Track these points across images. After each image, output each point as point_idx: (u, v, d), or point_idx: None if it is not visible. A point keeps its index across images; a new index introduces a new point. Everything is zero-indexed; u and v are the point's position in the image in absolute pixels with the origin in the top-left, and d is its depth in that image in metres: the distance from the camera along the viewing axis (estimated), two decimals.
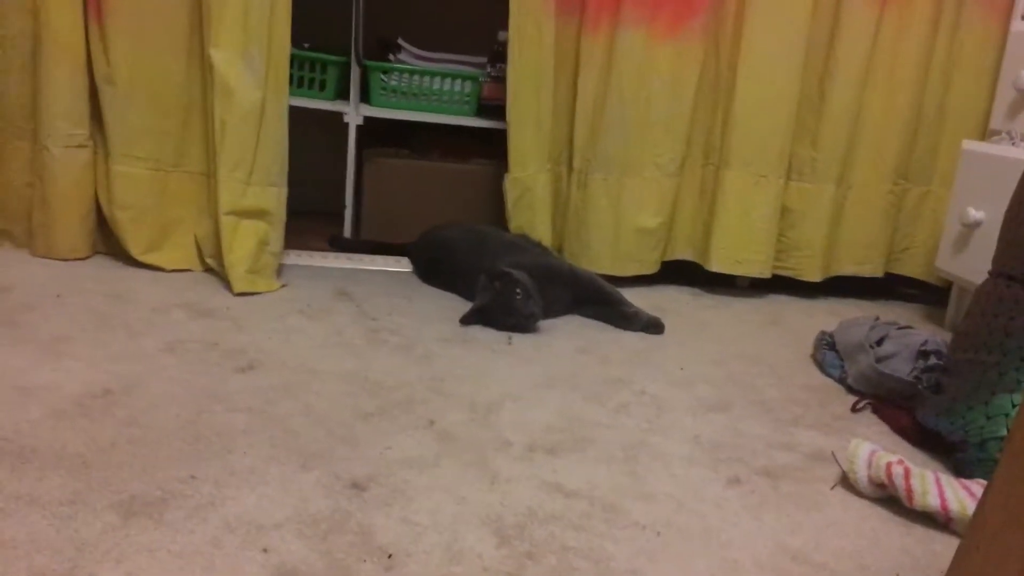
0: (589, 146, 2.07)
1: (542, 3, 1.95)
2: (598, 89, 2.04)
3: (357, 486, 1.06)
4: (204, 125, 1.87)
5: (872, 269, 2.24)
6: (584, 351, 1.66)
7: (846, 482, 1.20)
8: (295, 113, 1.95)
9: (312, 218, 2.28)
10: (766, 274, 2.17)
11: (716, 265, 2.15)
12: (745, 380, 1.60)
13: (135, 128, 1.86)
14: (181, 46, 1.84)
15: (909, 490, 1.11)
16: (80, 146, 1.85)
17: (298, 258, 2.09)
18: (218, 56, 1.78)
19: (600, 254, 2.10)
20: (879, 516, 1.14)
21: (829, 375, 1.66)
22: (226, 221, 1.83)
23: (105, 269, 1.87)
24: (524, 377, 1.49)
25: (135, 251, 1.89)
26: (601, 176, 2.08)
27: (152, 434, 1.15)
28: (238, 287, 1.79)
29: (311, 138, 2.23)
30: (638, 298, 1.95)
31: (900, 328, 1.62)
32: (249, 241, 1.84)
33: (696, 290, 2.19)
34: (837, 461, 1.24)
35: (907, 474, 1.12)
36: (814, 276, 2.20)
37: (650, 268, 2.14)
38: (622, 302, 1.86)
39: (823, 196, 2.16)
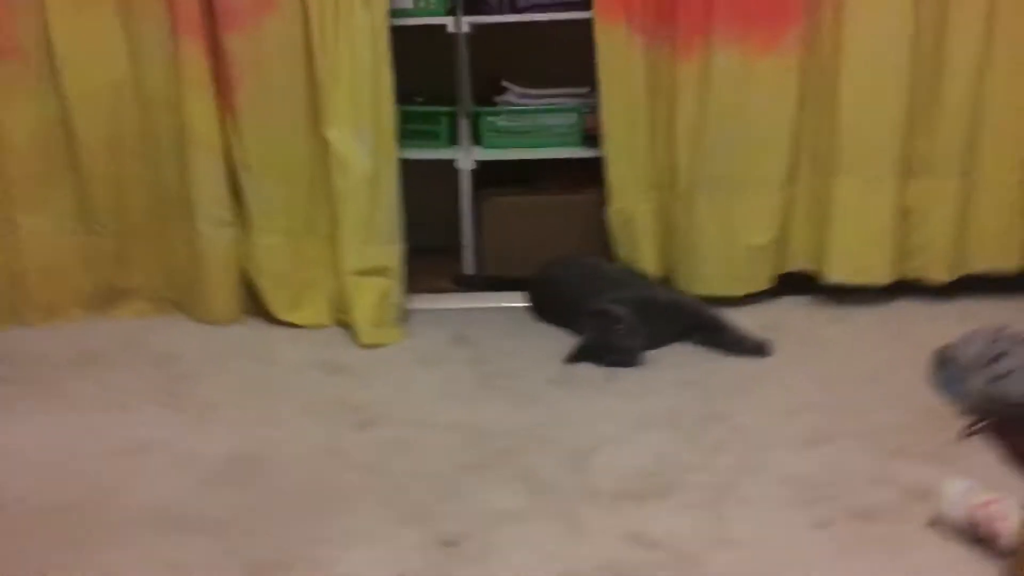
0: (692, 169, 2.07)
1: (626, 39, 1.99)
2: (697, 112, 2.04)
3: (450, 543, 1.17)
4: (328, 195, 2.05)
5: (1005, 264, 2.09)
6: (686, 384, 1.69)
7: (942, 521, 1.18)
8: (412, 163, 2.09)
9: (433, 255, 2.36)
10: (888, 280, 2.08)
11: (834, 275, 2.08)
12: (854, 405, 1.57)
13: (270, 203, 2.07)
14: (302, 128, 2.03)
15: (996, 533, 1.07)
16: (226, 224, 2.08)
17: (420, 302, 2.21)
18: (333, 134, 1.96)
19: (711, 276, 2.09)
20: (974, 561, 1.11)
21: (946, 396, 1.59)
22: (349, 280, 2.00)
23: (254, 330, 2.08)
24: (623, 417, 1.55)
25: (278, 312, 2.09)
26: (707, 198, 2.07)
27: (282, 497, 1.31)
28: (364, 340, 1.96)
29: (429, 182, 2.32)
30: (751, 316, 1.94)
31: None
32: (371, 297, 2.01)
33: (816, 300, 2.13)
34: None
35: (996, 515, 1.08)
36: (942, 277, 2.09)
37: (764, 284, 2.11)
38: (727, 327, 1.87)
39: (946, 192, 2.04)
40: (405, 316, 2.10)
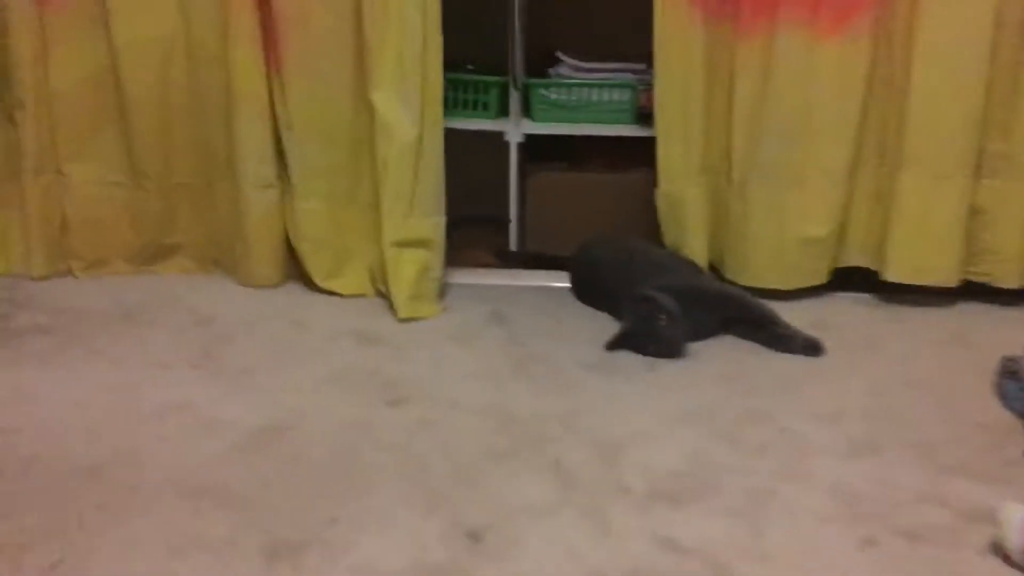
0: (748, 156, 1.99)
1: (687, 13, 1.90)
2: (756, 95, 1.95)
3: (474, 536, 1.13)
4: (371, 161, 2.01)
5: None
6: (730, 379, 1.62)
7: (1000, 549, 1.10)
8: (460, 133, 2.04)
9: (476, 229, 2.34)
10: (952, 282, 1.98)
11: (894, 273, 1.99)
12: (907, 414, 1.49)
13: (313, 167, 2.04)
14: (348, 89, 1.99)
15: None
16: (268, 186, 2.05)
17: (460, 276, 2.17)
18: (378, 97, 1.90)
19: (762, 267, 2.01)
20: None
21: (1011, 409, 1.50)
22: (389, 252, 1.97)
23: (293, 295, 2.07)
24: (659, 410, 1.49)
25: (317, 278, 2.07)
26: (762, 185, 1.99)
27: (306, 472, 1.29)
28: (401, 313, 1.93)
29: (476, 153, 2.28)
30: (803, 312, 1.86)
31: None
32: (411, 269, 1.97)
33: (873, 299, 2.04)
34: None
35: None
36: (1011, 282, 1.98)
37: (818, 279, 2.03)
38: (776, 322, 1.79)
39: (1019, 194, 1.93)
40: (444, 290, 2.06)
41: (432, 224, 2.00)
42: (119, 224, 2.12)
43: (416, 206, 1.97)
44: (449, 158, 2.00)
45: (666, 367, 1.68)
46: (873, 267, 2.03)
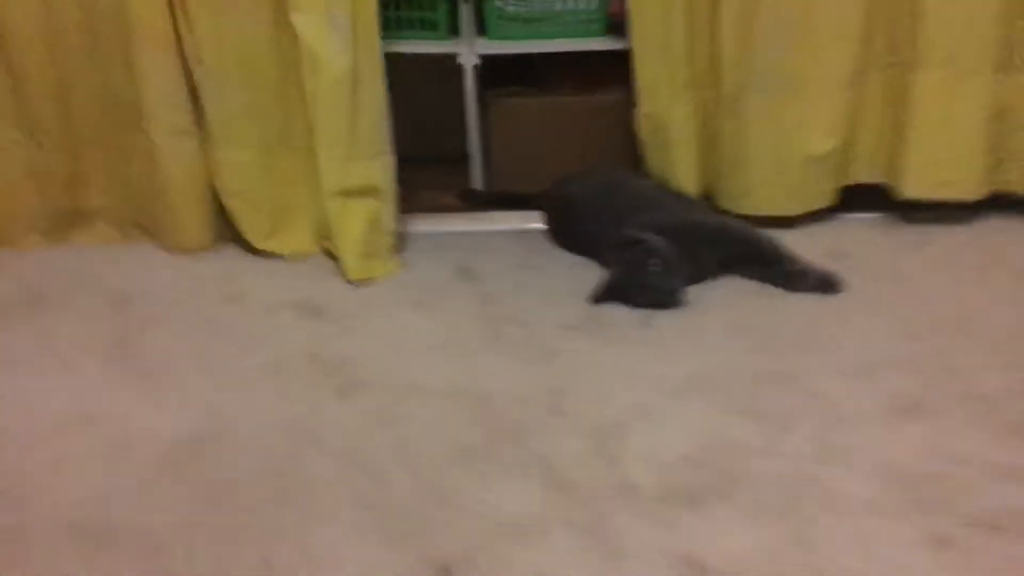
0: (740, 64, 1.72)
1: None
2: None
3: (446, 571, 0.89)
4: (300, 97, 1.72)
5: None
6: (739, 331, 1.38)
7: None
8: (404, 59, 1.80)
9: (434, 168, 2.07)
10: (977, 195, 1.74)
11: (912, 189, 1.75)
12: (953, 361, 1.26)
13: (233, 109, 1.74)
14: (266, 13, 1.68)
15: None
16: (184, 133, 1.76)
17: (419, 224, 1.91)
18: (299, 20, 1.61)
19: (762, 193, 1.77)
20: None
21: None
22: (332, 203, 1.70)
23: (226, 262, 1.80)
24: (661, 377, 1.25)
25: (254, 239, 1.80)
26: (758, 98, 1.73)
27: (233, 498, 1.04)
28: (351, 275, 1.67)
29: (426, 81, 2.03)
30: (812, 240, 1.63)
31: None
32: (359, 222, 1.70)
33: (889, 219, 1.79)
34: None
35: None
36: None
37: (825, 201, 1.79)
38: (784, 257, 1.55)
39: None
40: (400, 243, 1.81)
41: (378, 166, 1.72)
42: (21, 190, 1.84)
43: (357, 147, 1.69)
44: (395, 89, 1.73)
45: (662, 320, 1.43)
46: (886, 183, 1.78)
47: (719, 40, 1.72)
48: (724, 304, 1.48)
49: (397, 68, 1.74)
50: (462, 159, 2.09)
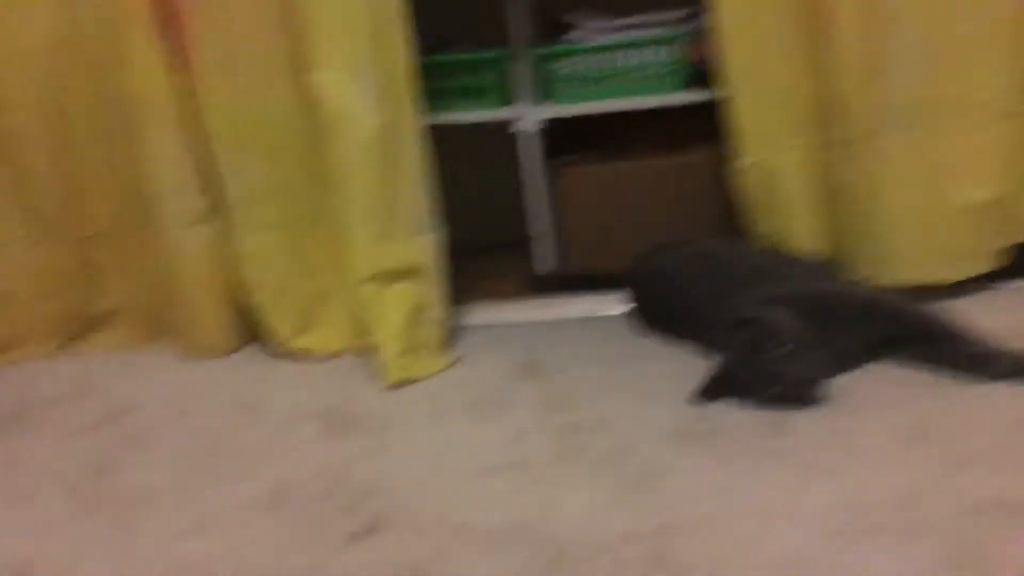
0: (866, 98, 1.40)
1: None
2: (868, 9, 1.37)
3: None
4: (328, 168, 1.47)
5: None
6: (916, 438, 0.99)
7: None
8: (456, 129, 1.63)
9: (494, 253, 1.83)
10: None
11: None
12: None
13: (254, 188, 1.52)
14: (285, 77, 1.45)
15: None
16: (197, 222, 1.54)
17: (476, 315, 1.62)
18: (321, 78, 1.38)
19: (906, 255, 1.42)
20: None
21: None
22: (367, 289, 1.42)
23: (251, 365, 1.55)
24: (814, 511, 0.87)
25: (283, 338, 1.55)
26: (892, 138, 1.40)
27: None
28: (391, 375, 1.37)
29: (480, 153, 1.84)
30: (979, 314, 1.24)
31: None
32: (398, 312, 1.42)
33: None
34: None
35: None
36: None
37: (990, 264, 1.41)
38: (959, 335, 1.16)
39: None
40: (452, 337, 1.51)
41: (421, 245, 1.45)
42: (26, 295, 1.66)
43: (394, 222, 1.44)
44: (446, 162, 1.51)
45: (802, 424, 1.06)
46: None
47: (835, 72, 1.41)
48: (881, 400, 1.09)
49: (449, 139, 1.52)
50: (523, 240, 1.82)
